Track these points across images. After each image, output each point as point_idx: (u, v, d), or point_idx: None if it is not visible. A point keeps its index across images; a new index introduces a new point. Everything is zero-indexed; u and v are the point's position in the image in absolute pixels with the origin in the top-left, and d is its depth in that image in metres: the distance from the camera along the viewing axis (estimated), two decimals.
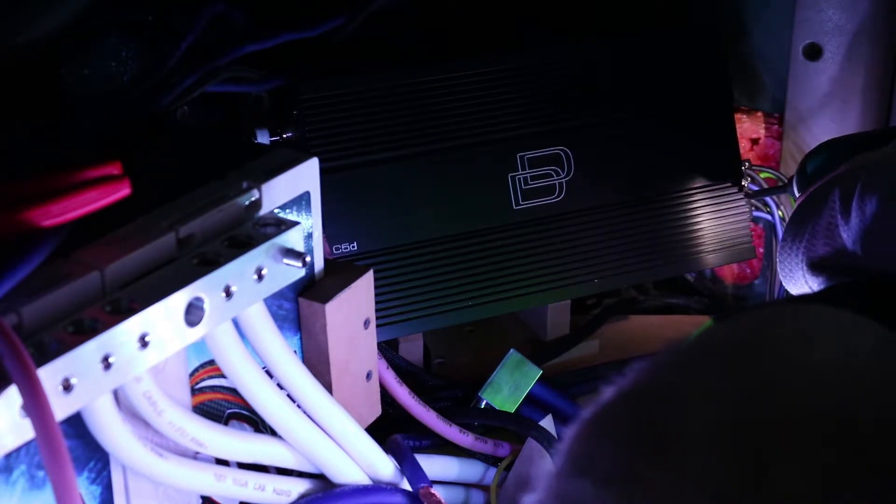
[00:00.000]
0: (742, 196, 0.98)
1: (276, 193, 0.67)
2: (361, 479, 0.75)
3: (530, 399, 0.89)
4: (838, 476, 0.38)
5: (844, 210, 0.62)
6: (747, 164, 0.99)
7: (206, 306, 0.60)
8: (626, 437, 0.42)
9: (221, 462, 0.69)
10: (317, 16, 0.89)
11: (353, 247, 0.86)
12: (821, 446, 0.39)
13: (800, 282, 0.67)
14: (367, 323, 0.75)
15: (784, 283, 0.70)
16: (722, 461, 0.39)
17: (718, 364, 0.43)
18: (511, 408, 0.88)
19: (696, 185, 0.97)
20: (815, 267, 0.65)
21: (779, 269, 0.70)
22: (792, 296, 0.68)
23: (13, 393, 0.51)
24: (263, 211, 0.66)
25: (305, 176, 0.69)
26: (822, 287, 0.65)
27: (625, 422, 0.43)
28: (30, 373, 0.50)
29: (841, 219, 0.62)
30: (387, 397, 0.80)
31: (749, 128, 1.03)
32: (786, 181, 0.99)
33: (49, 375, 0.52)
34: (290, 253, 0.65)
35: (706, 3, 1.02)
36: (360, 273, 0.73)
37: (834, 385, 0.42)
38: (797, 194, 0.85)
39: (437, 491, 0.76)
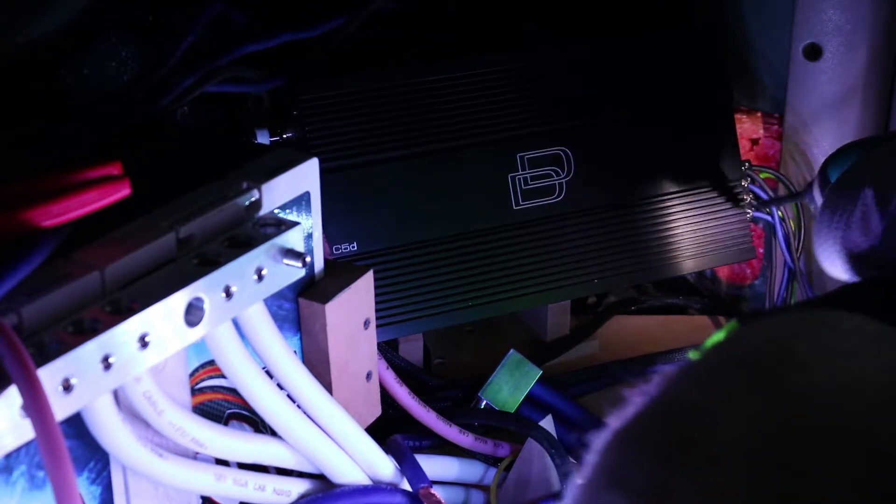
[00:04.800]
0: (742, 195, 0.98)
1: (276, 193, 0.67)
2: (361, 479, 0.75)
3: (530, 399, 0.89)
4: (869, 499, 0.38)
5: (877, 203, 0.62)
6: (747, 164, 0.99)
7: (206, 306, 0.60)
8: (658, 451, 0.42)
9: (221, 462, 0.69)
10: (317, 16, 0.89)
11: (353, 247, 0.86)
12: (852, 467, 0.39)
13: (838, 269, 0.68)
14: (367, 323, 0.75)
15: (822, 267, 0.70)
16: (752, 478, 0.39)
17: (748, 378, 0.43)
18: (511, 408, 0.88)
19: (696, 185, 0.97)
20: (852, 257, 0.65)
21: (817, 253, 0.70)
22: (812, 299, 0.67)
23: (13, 393, 0.51)
24: (263, 211, 0.66)
25: (305, 176, 0.69)
26: (857, 276, 0.65)
27: (656, 435, 0.43)
28: (30, 373, 0.50)
29: (873, 212, 0.62)
30: (387, 397, 0.80)
31: (749, 128, 1.03)
32: (787, 182, 0.99)
33: (49, 375, 0.52)
34: (290, 253, 0.65)
35: (706, 3, 1.02)
36: (360, 273, 0.73)
37: (864, 403, 0.42)
38: (818, 201, 0.84)
39: (437, 491, 0.76)
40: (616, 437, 0.44)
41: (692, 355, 0.49)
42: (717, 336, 0.50)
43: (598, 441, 0.45)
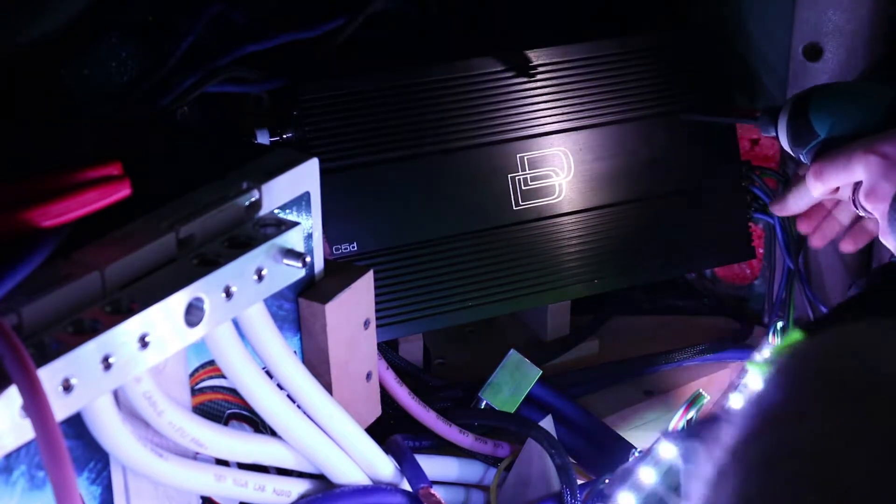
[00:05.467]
0: (742, 196, 0.98)
1: (276, 194, 0.67)
2: (361, 479, 0.75)
3: (530, 399, 0.89)
4: None
5: None
6: (747, 164, 0.99)
7: (206, 306, 0.60)
8: (802, 482, 0.43)
9: (221, 462, 0.69)
10: (317, 16, 0.89)
11: (353, 247, 0.86)
12: None
13: None
14: (367, 323, 0.75)
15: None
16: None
17: (864, 411, 0.45)
18: (511, 408, 0.88)
19: (696, 186, 0.97)
20: None
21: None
22: (868, 307, 0.67)
23: (13, 393, 0.51)
24: (263, 211, 0.66)
25: (305, 176, 0.69)
26: None
27: (794, 468, 0.44)
28: (30, 373, 0.50)
29: None
30: (387, 397, 0.80)
31: (749, 128, 1.03)
32: (787, 182, 0.98)
33: (49, 375, 0.52)
34: (290, 253, 0.65)
35: (706, 3, 1.01)
36: (360, 273, 0.73)
37: None
38: (793, 151, 0.85)
39: (437, 491, 0.76)
40: (745, 464, 0.45)
41: (758, 368, 0.51)
42: (787, 346, 0.51)
43: (713, 458, 0.46)
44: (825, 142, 0.83)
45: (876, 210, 0.76)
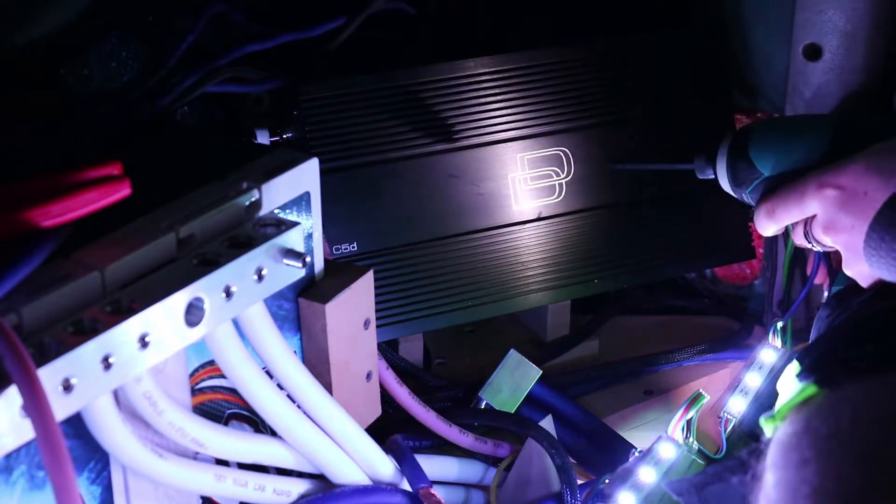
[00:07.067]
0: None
1: (276, 194, 0.67)
2: (361, 479, 0.75)
3: (530, 399, 0.89)
4: None
5: None
6: None
7: (207, 306, 0.60)
8: None
9: (221, 462, 0.69)
10: (317, 16, 0.89)
11: (353, 247, 0.86)
12: None
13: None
14: (367, 323, 0.75)
15: (881, 274, 0.71)
16: None
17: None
18: (511, 408, 0.88)
19: (696, 186, 0.97)
20: None
21: (876, 267, 0.71)
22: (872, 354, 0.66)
23: (13, 393, 0.51)
24: (263, 211, 0.66)
25: (305, 176, 0.69)
26: None
27: None
28: (30, 373, 0.50)
29: None
30: (387, 397, 0.80)
31: None
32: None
33: (49, 375, 0.52)
34: (290, 253, 0.65)
35: (706, 3, 1.02)
36: (360, 273, 0.73)
37: None
38: (734, 191, 0.85)
39: (437, 491, 0.76)
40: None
41: (771, 424, 0.51)
42: (805, 404, 0.52)
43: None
44: (768, 180, 0.81)
45: (838, 243, 0.75)
